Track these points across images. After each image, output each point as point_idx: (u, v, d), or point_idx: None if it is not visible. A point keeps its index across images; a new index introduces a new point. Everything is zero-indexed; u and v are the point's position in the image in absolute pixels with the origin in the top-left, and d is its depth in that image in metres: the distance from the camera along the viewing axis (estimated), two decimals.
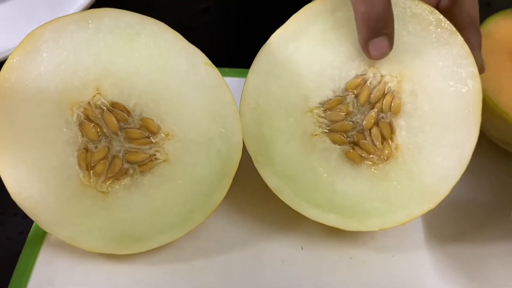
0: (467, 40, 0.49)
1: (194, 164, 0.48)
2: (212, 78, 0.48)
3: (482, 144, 0.55)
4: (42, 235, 0.51)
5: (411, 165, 0.48)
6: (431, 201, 0.47)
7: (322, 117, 0.49)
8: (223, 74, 0.51)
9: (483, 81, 0.51)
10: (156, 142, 0.48)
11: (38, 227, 0.51)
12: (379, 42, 0.46)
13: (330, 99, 0.49)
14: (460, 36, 0.48)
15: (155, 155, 0.48)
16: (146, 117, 0.47)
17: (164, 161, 0.48)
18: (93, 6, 0.71)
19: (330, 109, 0.49)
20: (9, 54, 0.50)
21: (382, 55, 0.46)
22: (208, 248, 0.50)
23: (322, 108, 0.49)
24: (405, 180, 0.48)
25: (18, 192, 0.45)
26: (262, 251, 0.50)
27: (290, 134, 0.49)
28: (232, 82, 0.51)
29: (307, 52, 0.49)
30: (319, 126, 0.49)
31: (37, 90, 0.46)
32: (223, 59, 0.61)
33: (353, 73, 0.49)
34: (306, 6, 0.48)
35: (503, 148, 0.52)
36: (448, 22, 0.48)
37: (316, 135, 0.49)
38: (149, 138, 0.47)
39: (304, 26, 0.49)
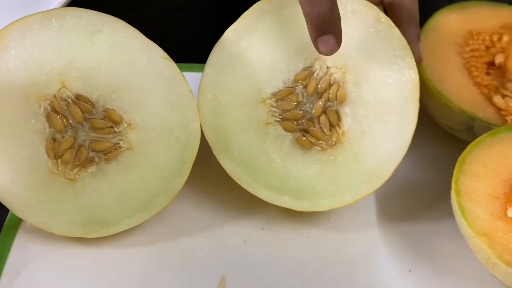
0: (405, 33, 0.52)
1: (155, 152, 0.50)
2: (169, 70, 0.50)
3: (432, 129, 0.59)
4: (18, 222, 0.53)
5: (357, 150, 0.51)
6: (376, 183, 0.50)
7: (274, 106, 0.52)
8: (187, 70, 0.53)
9: (429, 71, 0.54)
10: (119, 131, 0.50)
11: (13, 215, 0.53)
12: (327, 40, 0.48)
13: (281, 90, 0.52)
14: (397, 30, 0.50)
15: (118, 143, 0.51)
16: (109, 108, 0.50)
17: (127, 149, 0.50)
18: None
19: (281, 99, 0.52)
20: None
21: (331, 51, 0.49)
22: (173, 231, 0.53)
23: (274, 99, 0.52)
24: (352, 164, 0.51)
25: None
26: (224, 232, 0.52)
27: (245, 123, 0.52)
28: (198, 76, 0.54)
29: (258, 47, 0.52)
30: (272, 115, 0.52)
31: (6, 84, 0.48)
32: (194, 55, 0.63)
33: (301, 66, 0.52)
34: (256, 4, 0.51)
35: (449, 133, 0.56)
36: (386, 17, 0.51)
37: (269, 123, 0.52)
38: (112, 127, 0.50)
39: (254, 23, 0.51)
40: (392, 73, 0.50)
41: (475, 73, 0.58)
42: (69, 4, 0.72)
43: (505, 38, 0.58)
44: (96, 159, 0.50)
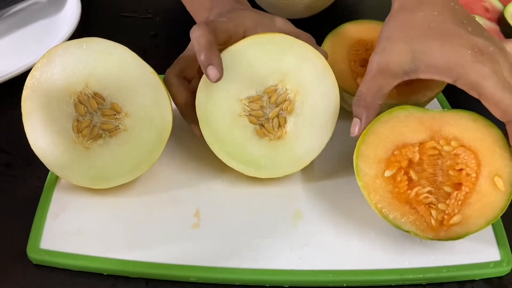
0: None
1: (141, 132, 0.61)
2: (154, 80, 0.61)
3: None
4: (55, 179, 0.64)
5: (291, 143, 0.63)
6: (301, 165, 0.63)
7: (247, 105, 0.63)
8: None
9: (329, 61, 0.63)
10: (119, 118, 0.61)
11: (52, 174, 0.64)
12: (210, 69, 0.58)
13: (253, 96, 0.63)
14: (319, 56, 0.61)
15: (118, 126, 0.62)
16: (114, 102, 0.61)
17: (123, 130, 0.61)
18: (70, 38, 0.82)
19: (252, 102, 0.63)
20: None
21: (215, 77, 0.58)
22: (159, 185, 0.65)
23: (247, 100, 0.63)
24: (287, 152, 0.63)
25: (34, 143, 0.60)
26: (199, 189, 0.64)
27: (225, 111, 0.62)
28: None
29: (245, 65, 0.62)
30: (244, 110, 0.63)
31: (51, 83, 0.60)
32: (166, 69, 0.71)
33: (269, 83, 0.63)
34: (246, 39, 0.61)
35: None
36: (327, 64, 0.61)
37: (241, 116, 0.63)
38: (115, 115, 0.61)
39: (243, 51, 0.61)
40: (322, 101, 0.63)
41: (353, 64, 0.71)
42: (70, 37, 0.82)
43: None
44: (103, 135, 0.61)
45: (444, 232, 0.56)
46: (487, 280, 0.58)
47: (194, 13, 0.72)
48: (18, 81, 0.72)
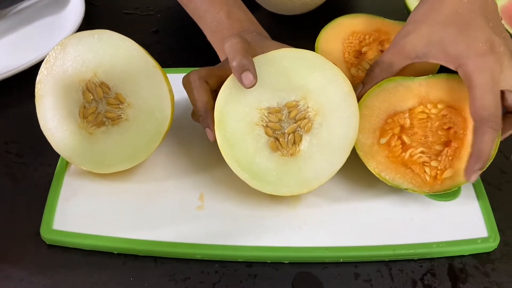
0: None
1: (141, 123, 0.63)
2: (156, 74, 0.63)
3: None
4: (65, 165, 0.67)
5: (301, 164, 0.61)
6: (305, 189, 0.61)
7: (265, 115, 0.61)
8: (171, 72, 0.67)
9: (322, 54, 0.64)
10: (122, 108, 0.63)
11: (62, 160, 0.67)
12: (246, 75, 0.57)
13: (273, 108, 0.61)
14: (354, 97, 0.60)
15: (121, 115, 0.64)
16: (118, 93, 0.63)
17: (125, 119, 0.63)
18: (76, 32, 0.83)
19: (271, 113, 0.61)
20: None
21: (250, 83, 0.57)
22: (163, 174, 0.67)
23: (267, 110, 0.61)
24: (296, 171, 0.61)
25: (44, 124, 0.63)
26: (203, 175, 0.67)
27: (242, 117, 0.61)
28: (177, 76, 0.66)
29: (272, 76, 0.61)
30: (261, 120, 0.61)
31: (63, 71, 0.63)
32: (170, 62, 0.81)
33: (292, 98, 0.61)
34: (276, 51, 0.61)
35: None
36: (351, 89, 0.60)
37: (257, 124, 0.61)
38: (118, 105, 0.63)
39: (272, 60, 0.61)
40: (340, 126, 0.61)
41: (346, 55, 0.73)
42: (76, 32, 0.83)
43: (371, 38, 0.74)
44: (107, 123, 0.63)
45: (439, 185, 0.62)
46: (476, 256, 0.61)
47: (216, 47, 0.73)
48: (26, 76, 0.76)
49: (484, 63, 0.57)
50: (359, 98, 0.62)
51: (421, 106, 0.63)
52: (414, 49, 0.62)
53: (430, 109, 0.63)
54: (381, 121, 0.62)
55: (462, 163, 0.61)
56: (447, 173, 0.62)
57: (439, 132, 0.63)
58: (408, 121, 0.63)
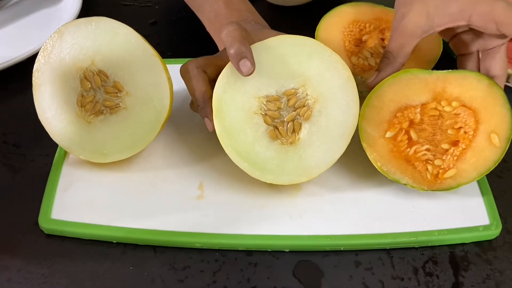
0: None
1: (139, 112, 0.63)
2: (156, 62, 0.62)
3: None
4: (63, 155, 0.67)
5: (301, 152, 0.60)
6: (305, 178, 0.61)
7: (264, 104, 0.60)
8: (170, 62, 0.66)
9: (322, 41, 0.63)
10: (120, 96, 0.63)
11: (60, 150, 0.67)
12: (243, 63, 0.56)
13: (272, 96, 0.61)
14: (346, 70, 0.59)
15: (119, 104, 0.63)
16: (116, 81, 0.63)
17: (123, 108, 0.63)
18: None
19: (269, 101, 0.61)
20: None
21: (248, 71, 0.57)
22: (162, 163, 0.67)
23: (265, 99, 0.61)
24: (296, 160, 0.60)
25: (41, 113, 0.63)
26: (203, 164, 0.66)
27: (240, 106, 0.60)
28: (176, 67, 0.66)
29: (269, 62, 0.60)
30: (260, 109, 0.61)
31: (61, 58, 0.63)
32: (168, 52, 0.81)
33: (291, 86, 0.61)
34: (275, 38, 0.60)
35: None
36: (351, 76, 0.60)
37: (256, 113, 0.61)
38: (117, 93, 0.63)
39: (271, 47, 0.60)
40: (340, 114, 0.61)
41: (347, 44, 0.74)
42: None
43: (371, 26, 0.74)
44: (105, 111, 0.63)
45: (438, 184, 0.61)
46: (478, 243, 0.61)
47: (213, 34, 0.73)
48: (23, 68, 0.76)
49: (491, 1, 0.58)
50: (372, 87, 0.62)
51: (435, 103, 0.62)
52: (418, 26, 0.61)
53: (443, 107, 0.62)
54: (391, 114, 0.61)
55: (466, 165, 0.61)
56: (449, 173, 0.61)
57: (449, 131, 0.62)
58: (418, 116, 0.62)
